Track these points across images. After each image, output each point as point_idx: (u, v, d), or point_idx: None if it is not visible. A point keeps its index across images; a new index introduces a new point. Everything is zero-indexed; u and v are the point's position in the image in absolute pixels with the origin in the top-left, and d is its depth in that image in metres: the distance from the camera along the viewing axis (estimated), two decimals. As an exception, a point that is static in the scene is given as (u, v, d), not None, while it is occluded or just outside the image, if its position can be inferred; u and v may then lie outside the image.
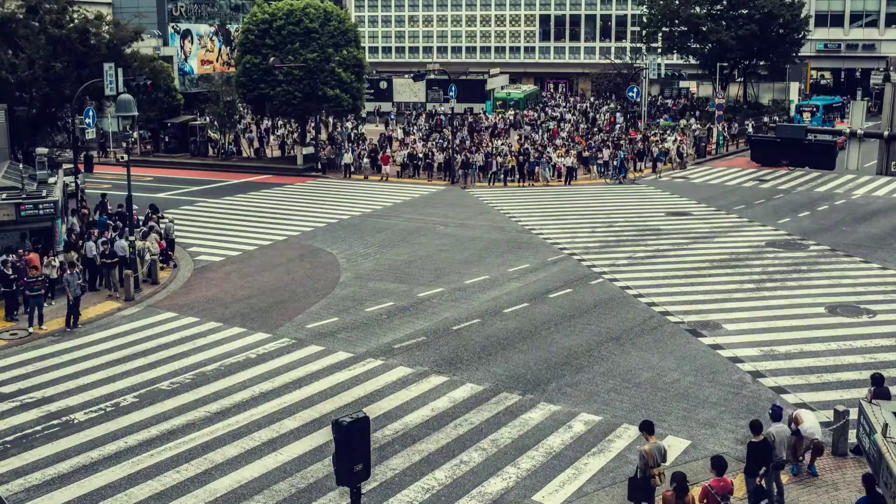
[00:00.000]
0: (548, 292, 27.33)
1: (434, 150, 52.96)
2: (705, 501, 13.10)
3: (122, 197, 34.03)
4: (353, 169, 51.81)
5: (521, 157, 49.60)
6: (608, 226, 36.99)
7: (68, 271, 25.03)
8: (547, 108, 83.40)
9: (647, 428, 14.32)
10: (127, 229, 29.68)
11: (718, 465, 13.42)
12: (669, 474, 13.90)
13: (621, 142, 56.13)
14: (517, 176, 48.52)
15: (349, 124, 67.23)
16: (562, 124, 69.92)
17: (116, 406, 19.27)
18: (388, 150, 54.49)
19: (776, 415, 15.01)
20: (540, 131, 66.00)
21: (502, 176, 48.46)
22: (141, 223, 32.72)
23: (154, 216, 33.56)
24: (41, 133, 42.17)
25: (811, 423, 15.64)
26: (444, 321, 24.62)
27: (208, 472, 16.29)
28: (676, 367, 21.11)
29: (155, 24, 64.10)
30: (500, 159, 50.35)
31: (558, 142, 57.71)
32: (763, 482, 14.43)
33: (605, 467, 16.34)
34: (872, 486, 12.69)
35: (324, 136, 61.79)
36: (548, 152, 51.55)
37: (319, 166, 53.34)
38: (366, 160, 52.90)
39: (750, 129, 62.26)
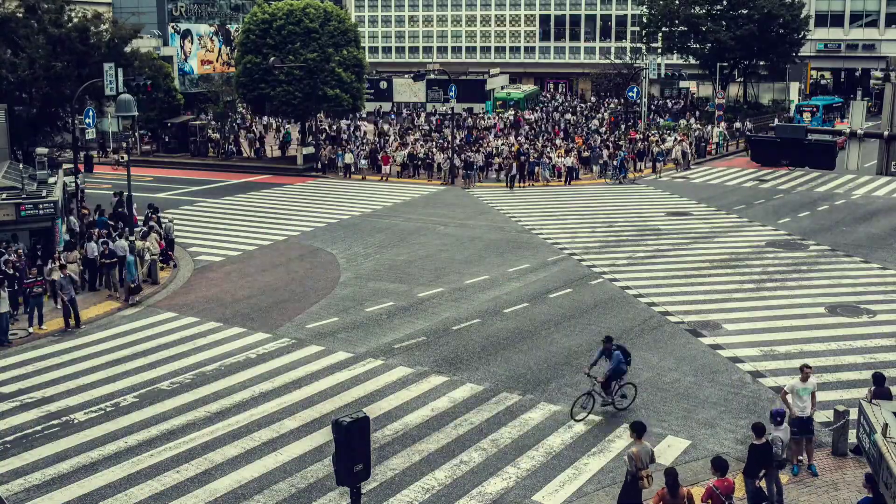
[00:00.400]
0: (548, 292, 27.34)
1: (434, 149, 52.89)
2: (710, 502, 13.08)
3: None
4: (353, 169, 51.79)
5: (521, 158, 49.56)
6: (608, 226, 37.00)
7: (61, 274, 24.99)
8: (547, 109, 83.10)
9: (636, 429, 14.25)
10: (127, 229, 29.68)
11: (720, 465, 13.41)
12: (656, 477, 13.94)
13: (621, 142, 56.10)
14: (517, 176, 48.42)
15: (386, 125, 67.54)
16: (567, 127, 69.67)
17: (116, 406, 19.27)
18: (388, 150, 54.32)
19: (779, 420, 14.94)
20: (540, 132, 65.77)
21: (504, 176, 48.42)
22: (141, 223, 32.73)
23: (154, 216, 33.57)
24: (41, 133, 42.19)
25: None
26: (444, 321, 24.63)
27: (208, 472, 16.29)
28: (676, 367, 21.11)
29: (155, 24, 64.14)
30: (499, 160, 50.22)
31: (558, 141, 57.65)
32: (763, 483, 14.43)
33: (605, 467, 16.34)
34: (875, 487, 12.69)
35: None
36: (547, 152, 51.53)
37: (319, 166, 53.35)
38: (363, 162, 52.63)
39: (720, 133, 61.56)
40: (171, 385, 20.40)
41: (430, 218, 39.11)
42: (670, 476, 12.92)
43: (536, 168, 48.91)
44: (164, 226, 32.64)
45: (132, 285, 27.42)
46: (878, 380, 16.29)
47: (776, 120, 65.15)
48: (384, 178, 50.00)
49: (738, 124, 64.78)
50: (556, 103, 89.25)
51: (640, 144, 55.37)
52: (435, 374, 20.80)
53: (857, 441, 14.36)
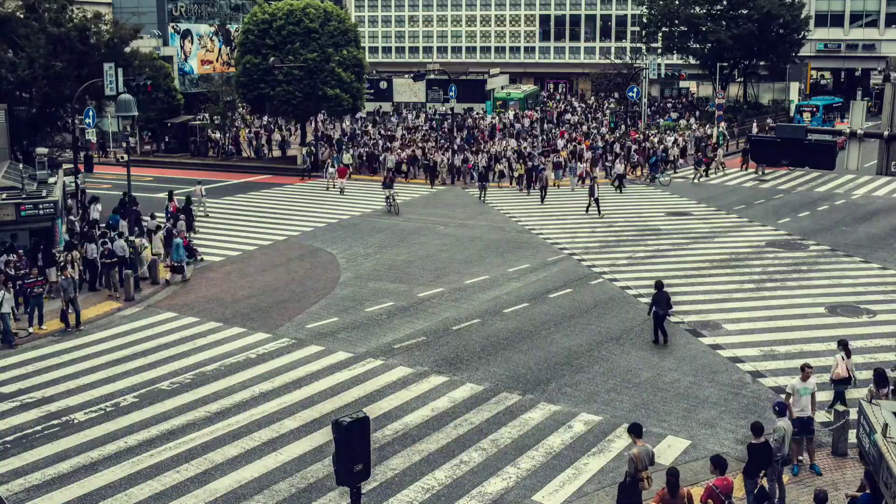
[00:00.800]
0: (548, 292, 27.34)
1: (433, 151, 52.25)
2: (710, 501, 13.08)
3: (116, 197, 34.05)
4: (351, 170, 51.11)
5: (528, 164, 47.08)
6: (608, 226, 37.00)
7: (62, 276, 24.96)
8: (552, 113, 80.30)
9: (635, 431, 14.18)
10: (136, 228, 29.77)
11: (720, 464, 13.42)
12: (657, 477, 13.94)
13: (646, 143, 54.31)
14: (532, 185, 45.17)
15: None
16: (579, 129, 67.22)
17: (116, 406, 19.26)
18: (383, 155, 52.92)
19: (781, 412, 14.99)
20: (540, 134, 62.88)
21: (505, 180, 47.25)
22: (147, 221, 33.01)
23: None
24: (41, 133, 42.19)
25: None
26: (444, 321, 24.62)
27: (208, 472, 16.29)
28: (676, 367, 21.11)
29: (155, 24, 64.07)
30: (499, 166, 48.44)
31: (560, 143, 57.18)
32: (765, 482, 14.42)
33: (605, 467, 16.33)
34: (874, 483, 12.69)
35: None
36: (570, 159, 49.33)
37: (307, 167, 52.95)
38: (332, 170, 47.95)
39: (720, 133, 60.22)
40: (171, 385, 20.39)
41: (430, 218, 39.11)
42: (671, 476, 12.91)
43: (562, 175, 47.21)
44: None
45: (175, 265, 29.48)
46: (880, 377, 16.29)
47: (754, 127, 64.17)
48: (340, 192, 45.46)
49: (710, 129, 62.47)
50: (570, 106, 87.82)
51: (648, 145, 54.29)
52: (435, 374, 20.80)
53: (857, 441, 14.37)
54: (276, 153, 60.51)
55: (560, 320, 24.64)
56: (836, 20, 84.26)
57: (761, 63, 73.09)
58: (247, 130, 64.24)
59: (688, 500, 13.07)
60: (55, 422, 18.45)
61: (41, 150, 34.42)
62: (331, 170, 48.13)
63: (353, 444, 11.45)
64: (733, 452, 16.66)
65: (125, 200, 35.03)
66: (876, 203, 41.56)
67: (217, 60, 70.61)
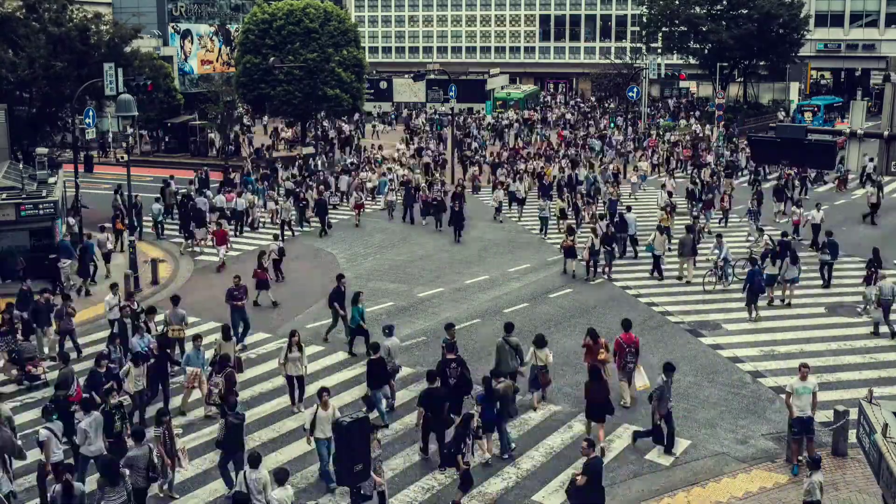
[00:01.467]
0: (548, 292, 27.34)
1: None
2: (616, 351, 18.00)
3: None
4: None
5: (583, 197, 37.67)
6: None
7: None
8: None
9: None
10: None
11: (626, 325, 18.31)
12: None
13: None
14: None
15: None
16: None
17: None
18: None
19: (389, 334, 18.30)
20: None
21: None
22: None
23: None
24: (41, 133, 42.19)
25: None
26: (444, 321, 24.54)
27: (208, 472, 16.28)
28: (676, 367, 21.07)
29: (155, 24, 64.12)
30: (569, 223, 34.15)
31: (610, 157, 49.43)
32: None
33: (605, 467, 16.27)
34: (489, 383, 15.79)
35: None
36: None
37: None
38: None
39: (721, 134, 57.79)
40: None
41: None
42: (592, 331, 18.80)
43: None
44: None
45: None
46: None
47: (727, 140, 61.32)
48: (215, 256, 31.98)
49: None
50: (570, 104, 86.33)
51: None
52: (435, 374, 20.75)
53: (857, 440, 14.37)
54: (278, 153, 60.46)
55: (560, 320, 24.64)
56: (836, 20, 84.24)
57: (761, 63, 73.12)
58: (246, 137, 64.15)
59: (605, 347, 18.22)
60: (55, 422, 18.40)
61: (41, 150, 34.45)
62: (258, 205, 38.47)
63: (353, 444, 11.48)
64: (733, 452, 16.68)
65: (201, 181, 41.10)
66: (876, 203, 41.46)
67: (217, 60, 70.64)
